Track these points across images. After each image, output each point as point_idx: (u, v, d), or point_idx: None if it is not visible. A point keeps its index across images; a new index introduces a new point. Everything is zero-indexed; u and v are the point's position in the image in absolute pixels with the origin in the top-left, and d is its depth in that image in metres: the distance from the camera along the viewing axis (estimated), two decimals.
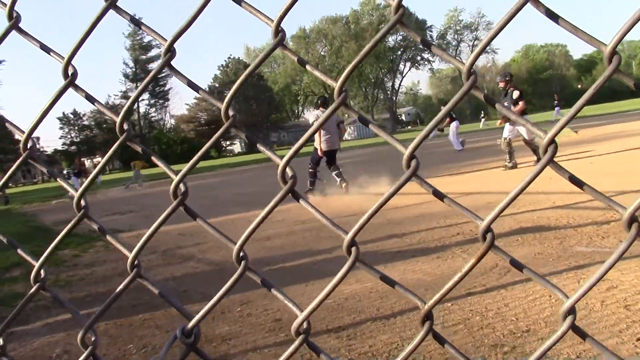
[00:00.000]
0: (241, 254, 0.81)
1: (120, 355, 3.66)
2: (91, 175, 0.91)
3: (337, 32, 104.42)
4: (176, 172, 0.84)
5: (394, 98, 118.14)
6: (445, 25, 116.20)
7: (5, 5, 0.91)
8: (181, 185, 0.82)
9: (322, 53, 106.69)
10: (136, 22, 0.91)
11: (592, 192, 0.69)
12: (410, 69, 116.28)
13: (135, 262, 0.88)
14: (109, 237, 0.92)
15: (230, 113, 0.80)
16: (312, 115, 13.93)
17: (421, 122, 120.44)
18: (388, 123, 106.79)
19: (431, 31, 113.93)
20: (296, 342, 0.80)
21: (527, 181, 0.68)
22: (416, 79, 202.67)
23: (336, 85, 0.72)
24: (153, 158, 0.86)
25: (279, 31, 0.77)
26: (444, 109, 0.73)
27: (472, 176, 12.15)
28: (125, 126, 0.85)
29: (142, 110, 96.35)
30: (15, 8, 0.90)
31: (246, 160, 48.69)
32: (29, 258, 1.00)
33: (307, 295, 4.52)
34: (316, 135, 12.49)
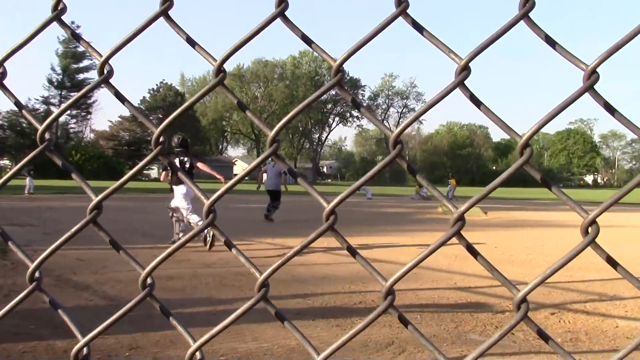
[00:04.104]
0: (148, 280, 0.81)
1: None
2: (8, 174, 0.88)
3: (270, 75, 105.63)
4: (94, 191, 0.83)
5: (319, 150, 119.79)
6: (378, 88, 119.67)
7: None
8: (94, 203, 0.81)
9: (256, 94, 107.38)
10: (76, 37, 0.91)
11: (486, 266, 0.74)
12: (338, 123, 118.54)
13: (37, 275, 0.85)
14: (10, 244, 0.89)
15: (161, 139, 0.81)
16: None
17: (342, 177, 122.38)
18: (309, 173, 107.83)
19: (364, 91, 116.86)
20: None
21: (432, 249, 0.72)
22: (343, 135, 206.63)
23: (270, 135, 0.75)
24: (73, 175, 0.85)
25: (220, 71, 0.80)
26: (369, 173, 0.76)
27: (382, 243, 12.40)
28: (47, 135, 0.84)
29: (62, 119, 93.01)
30: None
31: (159, 187, 47.36)
32: None
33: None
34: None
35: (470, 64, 0.74)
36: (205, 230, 9.76)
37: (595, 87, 0.73)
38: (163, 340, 4.42)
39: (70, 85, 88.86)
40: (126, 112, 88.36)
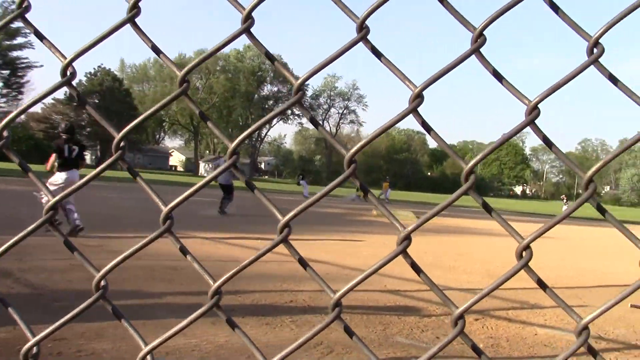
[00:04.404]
0: (102, 282, 0.82)
1: None
2: None
3: (212, 66, 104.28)
4: (46, 187, 0.84)
5: (258, 145, 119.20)
6: (321, 87, 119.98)
7: None
8: (47, 201, 0.82)
9: (197, 85, 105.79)
10: (39, 36, 0.91)
11: (428, 283, 0.78)
12: (279, 120, 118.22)
13: None
14: None
15: (121, 144, 0.82)
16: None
17: (279, 174, 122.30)
18: (247, 168, 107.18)
19: (306, 89, 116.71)
20: None
21: (378, 266, 0.76)
22: (283, 132, 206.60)
23: (230, 147, 0.78)
24: (30, 175, 0.86)
25: (184, 81, 0.82)
26: (324, 190, 0.80)
27: (333, 244, 12.52)
28: (5, 133, 0.84)
29: None
30: None
31: (106, 176, 46.01)
32: None
33: (126, 340, 4.23)
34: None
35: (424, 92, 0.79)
36: (77, 221, 9.56)
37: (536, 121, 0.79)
38: (89, 332, 4.34)
39: (1, 62, 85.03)
40: (60, 95, 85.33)
